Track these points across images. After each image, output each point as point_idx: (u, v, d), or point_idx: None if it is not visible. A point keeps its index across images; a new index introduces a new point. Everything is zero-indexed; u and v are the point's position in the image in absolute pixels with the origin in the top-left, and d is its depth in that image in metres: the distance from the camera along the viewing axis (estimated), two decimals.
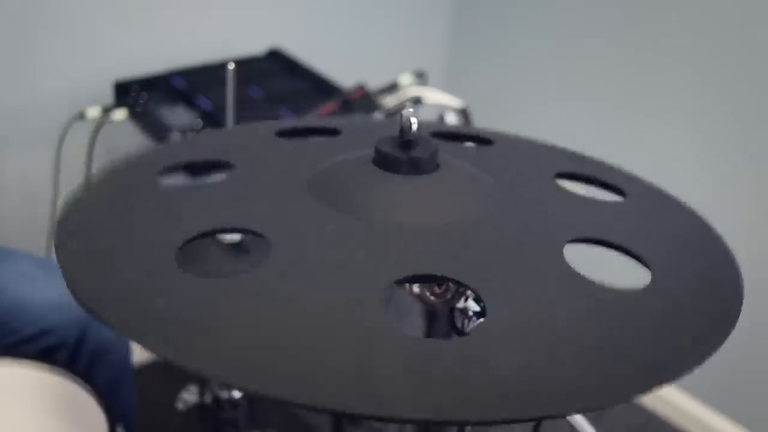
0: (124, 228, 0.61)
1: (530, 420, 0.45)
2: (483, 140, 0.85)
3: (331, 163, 0.69)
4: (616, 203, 0.73)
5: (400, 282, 0.56)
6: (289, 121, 0.85)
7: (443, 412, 0.45)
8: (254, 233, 0.59)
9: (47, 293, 1.10)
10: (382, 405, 0.45)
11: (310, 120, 0.89)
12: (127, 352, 1.19)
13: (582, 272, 0.58)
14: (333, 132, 0.82)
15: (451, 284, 0.66)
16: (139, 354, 1.40)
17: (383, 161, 0.65)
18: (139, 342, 0.48)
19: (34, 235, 1.47)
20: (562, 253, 0.60)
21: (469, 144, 0.85)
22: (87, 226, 0.62)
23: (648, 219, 0.71)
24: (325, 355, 0.48)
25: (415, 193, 0.64)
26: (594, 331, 0.53)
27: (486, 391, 0.47)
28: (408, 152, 0.64)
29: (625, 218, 0.70)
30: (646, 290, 0.58)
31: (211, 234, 0.60)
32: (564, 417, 0.46)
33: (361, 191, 0.64)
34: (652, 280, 0.59)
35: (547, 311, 0.54)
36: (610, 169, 0.80)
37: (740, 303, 0.58)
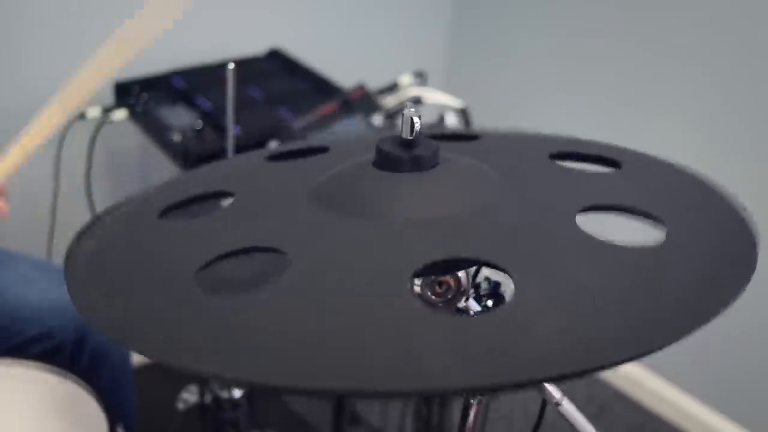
0: (137, 263, 0.61)
1: (578, 375, 0.46)
2: (469, 137, 0.85)
3: (328, 174, 0.69)
4: (614, 173, 0.74)
5: (424, 270, 0.56)
6: (279, 147, 0.86)
7: (492, 377, 0.46)
8: (272, 250, 0.59)
9: (47, 296, 1.10)
10: (433, 379, 0.46)
11: (298, 144, 0.90)
12: (127, 353, 1.19)
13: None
14: (322, 150, 0.82)
15: (452, 283, 0.66)
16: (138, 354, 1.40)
17: (385, 162, 0.65)
18: (198, 370, 0.48)
19: (34, 235, 1.47)
20: (575, 221, 0.61)
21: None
22: (99, 265, 0.61)
23: (647, 182, 0.73)
24: (369, 345, 0.48)
25: (423, 187, 0.64)
26: (624, 286, 0.54)
27: (530, 353, 0.48)
28: (410, 151, 0.65)
29: (626, 185, 0.71)
30: (663, 245, 0.59)
31: (227, 257, 0.60)
32: (611, 369, 0.46)
33: (370, 193, 0.64)
34: (668, 234, 0.60)
35: (573, 275, 0.55)
36: (599, 145, 0.81)
37: (755, 244, 0.59)
